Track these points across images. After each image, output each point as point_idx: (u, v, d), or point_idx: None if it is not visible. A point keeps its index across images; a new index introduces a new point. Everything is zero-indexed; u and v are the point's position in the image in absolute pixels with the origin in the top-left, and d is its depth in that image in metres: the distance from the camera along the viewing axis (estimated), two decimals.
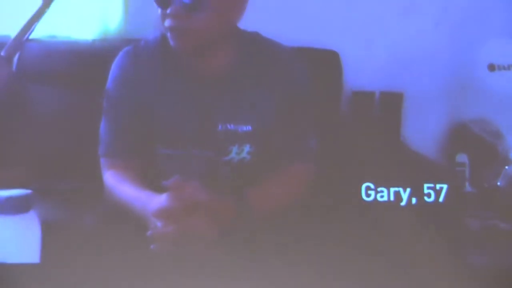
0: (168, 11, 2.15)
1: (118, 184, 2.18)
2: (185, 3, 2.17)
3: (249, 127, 2.20)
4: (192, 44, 2.19)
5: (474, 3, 2.44)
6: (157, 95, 2.25)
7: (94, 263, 2.18)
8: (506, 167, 2.34)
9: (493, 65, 2.40)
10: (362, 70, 2.42)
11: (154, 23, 2.27)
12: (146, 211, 2.07)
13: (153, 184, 2.21)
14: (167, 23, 2.16)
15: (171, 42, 2.21)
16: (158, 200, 2.07)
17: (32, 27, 2.39)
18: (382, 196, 2.27)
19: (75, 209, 2.30)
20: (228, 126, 2.20)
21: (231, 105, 2.22)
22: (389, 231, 2.29)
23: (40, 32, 2.43)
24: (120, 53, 2.26)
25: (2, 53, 2.37)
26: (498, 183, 2.33)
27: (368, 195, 2.27)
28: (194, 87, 2.23)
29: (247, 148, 2.22)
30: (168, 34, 2.20)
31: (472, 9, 2.44)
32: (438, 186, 2.31)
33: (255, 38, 2.26)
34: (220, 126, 2.20)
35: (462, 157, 2.35)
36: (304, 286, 2.25)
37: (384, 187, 2.28)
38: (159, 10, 2.20)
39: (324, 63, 2.39)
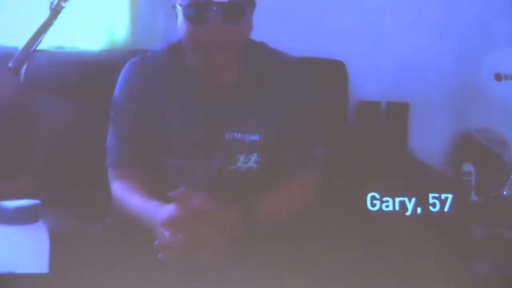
0: (207, 26, 2.14)
1: (126, 194, 2.21)
2: (231, 16, 2.14)
3: (256, 137, 2.23)
4: (224, 56, 2.19)
5: (479, 13, 2.44)
6: (164, 106, 2.27)
7: (103, 272, 2.20)
8: None
9: (499, 75, 2.41)
10: (368, 80, 2.43)
11: (161, 34, 2.40)
12: (153, 221, 2.10)
13: (161, 194, 2.21)
14: (204, 38, 2.16)
15: (202, 56, 2.20)
16: (165, 210, 2.10)
17: (40, 38, 2.40)
18: (387, 206, 2.29)
19: (83, 219, 2.32)
20: (236, 135, 2.22)
21: (239, 114, 2.24)
22: (394, 241, 2.29)
23: (47, 43, 2.45)
24: (127, 64, 2.28)
25: (10, 64, 2.38)
26: (504, 192, 2.34)
27: (373, 205, 2.29)
28: (202, 98, 2.26)
29: (254, 157, 2.24)
30: (197, 46, 2.18)
31: (478, 19, 2.45)
32: (443, 196, 2.33)
33: (262, 49, 2.29)
34: (227, 136, 2.22)
35: (468, 167, 2.36)
36: None
37: (390, 197, 2.31)
38: (189, 26, 2.17)
39: (330, 73, 2.41)
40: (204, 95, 2.25)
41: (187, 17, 2.18)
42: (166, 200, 2.18)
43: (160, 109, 2.27)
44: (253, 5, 2.30)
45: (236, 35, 2.22)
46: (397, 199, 2.31)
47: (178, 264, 2.17)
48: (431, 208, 2.33)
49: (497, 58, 2.48)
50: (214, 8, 2.15)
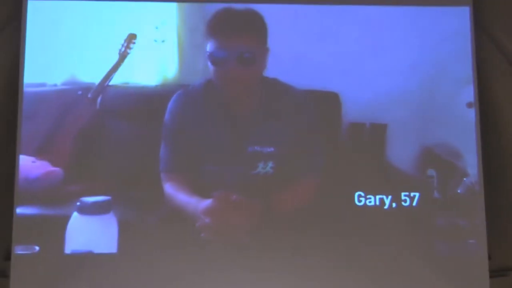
0: (224, 68, 2.50)
1: (175, 193, 2.50)
2: (244, 59, 2.50)
3: (272, 149, 2.52)
4: (239, 90, 2.53)
5: (446, 55, 2.63)
6: (201, 127, 2.54)
7: (159, 251, 2.50)
8: (465, 178, 2.56)
9: (471, 103, 2.61)
10: (356, 107, 2.61)
11: (200, 73, 2.60)
12: (196, 211, 2.43)
13: (200, 192, 2.50)
14: (222, 76, 2.50)
15: (222, 89, 2.52)
16: (206, 203, 2.44)
17: (111, 76, 2.64)
18: (370, 202, 2.56)
19: (143, 211, 2.54)
20: (256, 148, 2.52)
21: (257, 133, 2.52)
22: (375, 228, 2.55)
23: (117, 79, 2.65)
24: (174, 96, 2.56)
25: (89, 95, 2.63)
26: (459, 191, 2.55)
27: (359, 201, 2.56)
28: (229, 121, 2.53)
29: (270, 164, 2.53)
30: (219, 83, 2.52)
31: (445, 59, 2.64)
32: (412, 194, 2.56)
33: (275, 83, 2.55)
34: (249, 148, 2.52)
35: (431, 172, 2.57)
36: (313, 271, 2.51)
37: (372, 194, 2.56)
38: (213, 68, 2.52)
39: (327, 101, 2.60)
40: (231, 118, 2.52)
41: (211, 62, 2.52)
42: (205, 195, 2.46)
43: (198, 128, 2.54)
44: (264, 51, 2.53)
45: (247, 76, 2.52)
46: (378, 196, 2.56)
47: (214, 242, 2.48)
48: (403, 203, 2.57)
49: (468, 91, 2.63)
50: (229, 56, 2.50)
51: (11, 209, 2.50)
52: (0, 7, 2.63)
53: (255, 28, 2.53)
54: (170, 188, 2.51)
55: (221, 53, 2.49)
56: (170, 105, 2.56)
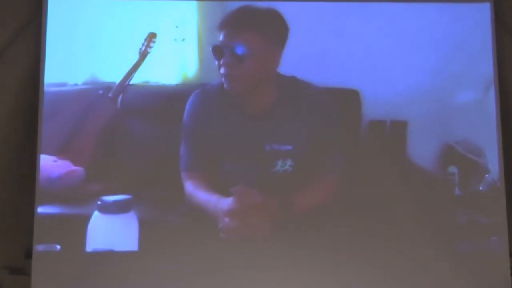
0: (222, 61, 2.50)
1: (195, 191, 2.51)
2: (236, 55, 2.50)
3: (290, 147, 2.52)
4: (240, 86, 2.52)
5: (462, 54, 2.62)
6: (219, 125, 2.55)
7: (178, 249, 2.51)
8: (486, 175, 2.54)
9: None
10: (377, 104, 2.60)
11: (217, 71, 2.58)
12: (217, 210, 2.46)
13: (220, 190, 2.52)
14: (222, 70, 2.51)
15: (225, 86, 2.52)
16: (226, 202, 2.45)
17: (132, 75, 2.65)
18: (390, 200, 2.57)
19: (163, 210, 2.56)
20: (273, 146, 2.52)
21: (275, 131, 2.52)
22: (396, 226, 2.56)
23: (137, 78, 2.67)
24: (193, 94, 2.58)
25: (110, 95, 2.63)
26: (480, 188, 2.54)
27: (379, 197, 2.57)
28: (246, 119, 2.54)
29: (289, 162, 2.52)
30: (223, 79, 2.53)
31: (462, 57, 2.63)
32: (432, 192, 2.56)
33: (292, 81, 2.55)
34: (267, 147, 2.52)
35: (452, 169, 2.56)
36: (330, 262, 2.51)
37: (392, 192, 2.57)
38: (216, 63, 2.53)
39: (348, 98, 2.60)
40: (248, 117, 2.53)
41: (213, 54, 2.54)
42: (225, 193, 2.47)
43: (216, 127, 2.55)
44: (271, 49, 2.54)
45: (245, 69, 2.52)
46: (398, 194, 2.57)
47: (234, 242, 2.49)
48: (424, 201, 2.56)
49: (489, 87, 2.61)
50: (225, 50, 2.50)
51: (32, 208, 2.54)
52: (20, 7, 2.65)
53: (268, 26, 2.55)
54: (190, 187, 2.53)
55: (220, 46, 2.51)
56: (187, 105, 2.58)
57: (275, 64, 2.53)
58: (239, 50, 2.49)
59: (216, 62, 2.52)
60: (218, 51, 2.50)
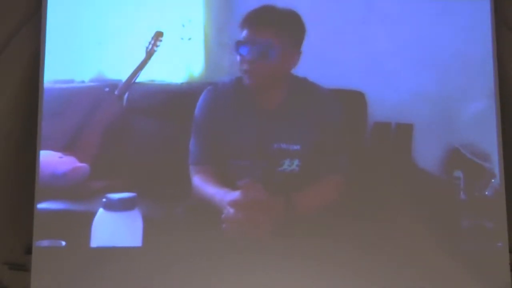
0: (246, 57, 2.54)
1: (203, 184, 2.54)
2: (260, 52, 2.54)
3: (298, 147, 2.54)
4: (260, 82, 2.56)
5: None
6: (230, 122, 2.58)
7: (182, 246, 2.53)
8: (493, 180, 2.52)
9: None
10: (382, 106, 2.60)
11: (225, 71, 2.64)
12: (223, 201, 2.48)
13: (227, 184, 2.55)
14: (244, 66, 2.54)
15: (245, 80, 2.55)
16: (233, 194, 2.48)
17: (138, 73, 2.66)
18: (394, 201, 2.56)
19: (167, 207, 2.57)
20: (281, 145, 2.54)
21: (283, 130, 2.55)
22: (400, 227, 2.55)
23: (143, 77, 2.68)
24: (205, 91, 2.60)
25: (116, 92, 2.65)
26: (486, 193, 2.52)
27: (383, 198, 2.57)
28: (256, 116, 2.56)
29: (296, 162, 2.54)
30: (244, 75, 2.56)
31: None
32: (438, 196, 2.54)
33: (303, 82, 2.58)
34: (275, 145, 2.54)
35: (458, 173, 2.55)
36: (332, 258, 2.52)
37: (397, 194, 2.57)
38: (238, 58, 2.56)
39: (353, 100, 2.61)
40: (258, 114, 2.56)
41: (236, 50, 2.57)
42: (232, 188, 2.51)
43: (227, 123, 2.58)
44: (291, 50, 2.57)
45: (267, 67, 2.55)
46: (403, 196, 2.56)
47: (235, 235, 2.51)
48: (428, 204, 2.55)
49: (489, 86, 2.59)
50: (252, 47, 2.54)
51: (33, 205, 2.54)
52: (20, 3, 2.67)
53: (289, 27, 2.57)
54: (198, 180, 2.56)
55: (246, 43, 2.53)
56: (200, 100, 2.60)
57: (294, 64, 2.57)
58: (264, 47, 2.53)
59: (238, 57, 2.55)
60: (241, 46, 2.54)
